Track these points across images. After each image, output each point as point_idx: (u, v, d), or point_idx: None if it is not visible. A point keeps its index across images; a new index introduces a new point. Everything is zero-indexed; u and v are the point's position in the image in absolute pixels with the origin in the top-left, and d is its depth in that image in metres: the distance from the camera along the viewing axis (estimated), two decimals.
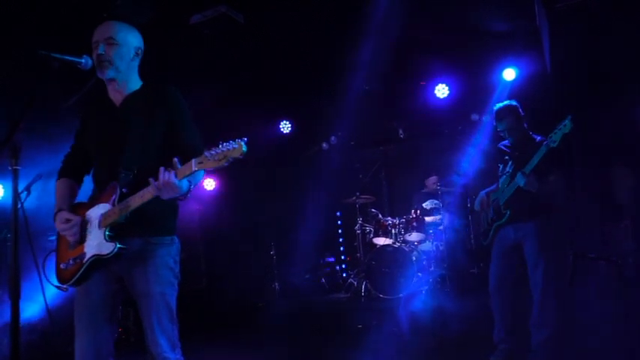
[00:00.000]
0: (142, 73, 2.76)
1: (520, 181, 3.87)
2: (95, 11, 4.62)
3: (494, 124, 4.27)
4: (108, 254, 2.43)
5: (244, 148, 2.18)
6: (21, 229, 2.28)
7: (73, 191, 2.76)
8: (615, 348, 3.92)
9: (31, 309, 4.99)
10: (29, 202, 4.73)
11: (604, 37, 5.33)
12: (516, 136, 4.18)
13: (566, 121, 3.69)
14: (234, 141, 2.20)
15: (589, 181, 5.63)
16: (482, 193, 4.44)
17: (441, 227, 7.42)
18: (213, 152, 2.22)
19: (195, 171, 2.29)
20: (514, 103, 4.22)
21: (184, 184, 2.38)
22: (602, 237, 5.49)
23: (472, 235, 7.67)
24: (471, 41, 7.00)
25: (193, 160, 2.27)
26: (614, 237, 5.42)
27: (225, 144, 2.21)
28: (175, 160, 2.32)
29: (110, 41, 2.56)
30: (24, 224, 2.49)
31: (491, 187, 4.38)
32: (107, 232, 2.46)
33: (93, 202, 2.60)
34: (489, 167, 4.47)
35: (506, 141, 4.30)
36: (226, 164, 2.22)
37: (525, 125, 4.20)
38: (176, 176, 2.31)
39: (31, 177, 4.88)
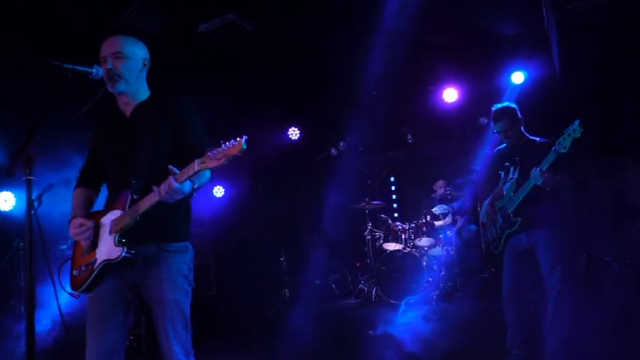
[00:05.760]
0: (152, 81, 2.79)
1: (537, 180, 3.71)
2: (106, 21, 4.66)
3: (492, 124, 4.19)
4: (116, 258, 2.48)
5: (244, 146, 2.22)
6: (34, 237, 2.30)
7: (90, 199, 2.82)
8: (629, 351, 3.89)
9: (45, 317, 5.01)
10: (40, 211, 4.74)
11: (613, 38, 5.32)
12: (512, 138, 4.11)
13: (575, 126, 3.50)
14: (235, 139, 2.24)
15: (603, 183, 5.61)
16: (486, 203, 4.33)
17: (449, 233, 7.39)
18: (214, 152, 2.26)
19: (199, 171, 2.32)
20: (512, 105, 4.15)
21: (186, 186, 2.41)
22: (617, 238, 5.46)
23: (482, 240, 7.63)
24: (478, 45, 6.99)
25: (196, 161, 2.31)
26: (630, 238, 5.38)
27: (226, 143, 2.25)
28: (170, 167, 2.36)
29: (118, 55, 2.60)
30: (37, 233, 2.50)
31: (490, 198, 4.28)
32: (117, 237, 2.51)
33: (106, 209, 2.65)
34: (490, 173, 4.37)
35: (503, 145, 4.25)
36: (227, 162, 2.25)
37: (523, 128, 4.12)
38: (176, 180, 2.35)
39: (42, 186, 4.89)
